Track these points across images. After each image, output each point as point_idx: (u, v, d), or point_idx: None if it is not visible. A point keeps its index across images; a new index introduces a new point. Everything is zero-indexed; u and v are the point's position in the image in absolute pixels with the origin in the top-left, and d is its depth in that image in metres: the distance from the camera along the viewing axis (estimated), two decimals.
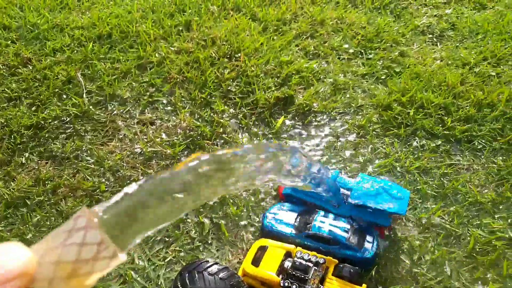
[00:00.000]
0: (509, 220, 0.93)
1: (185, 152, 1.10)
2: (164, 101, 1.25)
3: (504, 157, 1.06)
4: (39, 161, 1.09)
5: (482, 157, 1.07)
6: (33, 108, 1.22)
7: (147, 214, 0.49)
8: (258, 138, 1.13)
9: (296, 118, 1.19)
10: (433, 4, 1.63)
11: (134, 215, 0.47)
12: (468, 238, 0.90)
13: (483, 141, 1.10)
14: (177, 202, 0.51)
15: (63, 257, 0.29)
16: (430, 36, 1.49)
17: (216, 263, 0.76)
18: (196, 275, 0.72)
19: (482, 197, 0.98)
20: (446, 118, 1.15)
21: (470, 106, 1.18)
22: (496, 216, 0.94)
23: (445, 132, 1.12)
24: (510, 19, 1.49)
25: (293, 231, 0.87)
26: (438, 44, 1.45)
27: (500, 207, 0.96)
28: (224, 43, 1.40)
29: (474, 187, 1.00)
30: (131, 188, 0.48)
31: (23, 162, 1.08)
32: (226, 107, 1.22)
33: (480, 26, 1.49)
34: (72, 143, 1.12)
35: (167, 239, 0.93)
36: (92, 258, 0.31)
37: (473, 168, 1.05)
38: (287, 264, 0.78)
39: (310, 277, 0.76)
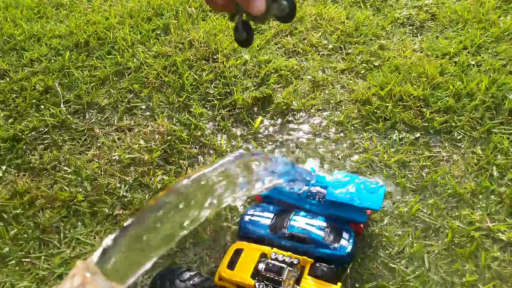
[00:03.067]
0: (488, 210, 0.92)
1: (163, 158, 1.09)
2: (143, 107, 1.24)
3: (483, 146, 1.05)
4: (17, 174, 1.08)
5: (462, 147, 1.06)
6: (10, 120, 1.21)
7: (143, 245, 0.50)
8: (236, 140, 1.13)
9: (274, 117, 1.19)
10: None
11: (132, 250, 0.48)
12: (447, 230, 0.89)
13: (462, 131, 1.09)
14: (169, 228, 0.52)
15: None
16: (411, 27, 1.47)
17: (188, 270, 0.75)
18: (168, 282, 0.72)
19: (461, 188, 0.97)
20: (425, 110, 1.14)
21: (449, 96, 1.17)
22: (475, 206, 0.93)
23: (424, 124, 1.11)
24: (490, 7, 1.48)
25: (270, 232, 0.86)
26: (419, 35, 1.44)
27: (480, 197, 0.95)
28: (202, 45, 1.39)
29: (453, 178, 0.99)
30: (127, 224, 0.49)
31: (0, 175, 1.07)
32: (204, 109, 1.21)
33: (460, 15, 1.48)
34: (50, 154, 1.12)
35: None
36: None
37: (452, 159, 1.04)
38: (261, 266, 0.78)
39: (284, 278, 0.75)
